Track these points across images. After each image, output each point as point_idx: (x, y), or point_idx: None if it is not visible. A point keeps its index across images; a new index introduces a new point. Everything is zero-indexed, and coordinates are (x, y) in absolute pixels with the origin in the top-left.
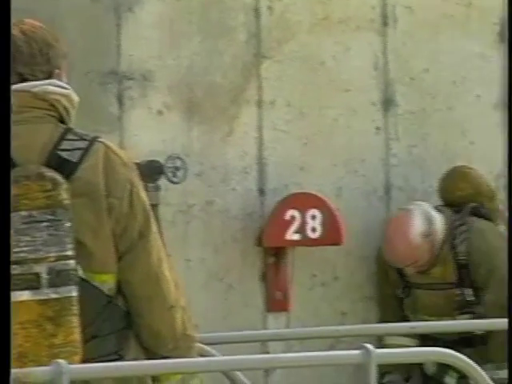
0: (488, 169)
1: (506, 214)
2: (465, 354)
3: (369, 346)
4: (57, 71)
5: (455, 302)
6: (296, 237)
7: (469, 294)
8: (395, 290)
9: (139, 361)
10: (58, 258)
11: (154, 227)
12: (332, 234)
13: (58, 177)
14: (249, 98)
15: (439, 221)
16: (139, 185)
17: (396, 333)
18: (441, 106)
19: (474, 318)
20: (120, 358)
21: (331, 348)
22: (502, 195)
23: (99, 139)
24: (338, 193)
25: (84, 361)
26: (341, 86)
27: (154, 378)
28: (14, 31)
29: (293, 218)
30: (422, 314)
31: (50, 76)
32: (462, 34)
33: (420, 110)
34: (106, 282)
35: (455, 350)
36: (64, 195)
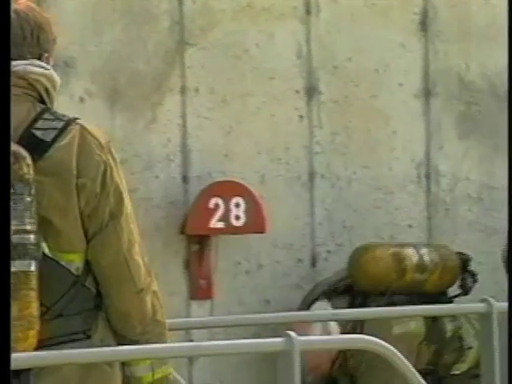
0: (410, 157)
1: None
2: None
3: (292, 333)
4: (46, 55)
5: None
6: (220, 225)
7: None
8: None
9: (106, 342)
10: (16, 232)
11: (126, 210)
12: (256, 222)
13: (23, 151)
14: (172, 86)
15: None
16: (114, 167)
17: (319, 320)
18: (364, 95)
19: None
20: (86, 338)
21: (255, 336)
22: (424, 182)
23: (77, 121)
24: (262, 180)
25: (47, 338)
26: (264, 73)
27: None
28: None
29: (216, 205)
30: None
31: (38, 59)
32: (383, 24)
33: (343, 98)
34: (74, 261)
35: None
36: (25, 170)
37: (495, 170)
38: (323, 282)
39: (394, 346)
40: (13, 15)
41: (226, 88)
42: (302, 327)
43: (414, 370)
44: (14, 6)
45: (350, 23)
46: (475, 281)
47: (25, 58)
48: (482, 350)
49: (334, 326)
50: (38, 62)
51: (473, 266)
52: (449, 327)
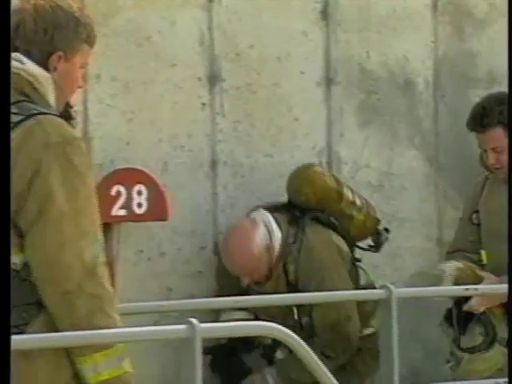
0: (311, 144)
1: None
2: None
3: (194, 320)
4: (59, 53)
5: (285, 317)
6: (122, 212)
7: (297, 311)
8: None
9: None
10: None
11: (58, 209)
12: (158, 210)
13: None
14: None
15: (278, 236)
16: (57, 167)
17: (221, 307)
18: (266, 82)
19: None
20: (17, 333)
21: (156, 324)
22: (326, 170)
23: (38, 116)
24: (164, 168)
25: None
26: (166, 61)
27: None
28: (28, 3)
29: (118, 193)
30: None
31: (48, 57)
32: (285, 12)
33: (245, 85)
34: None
35: None
36: None
37: (395, 157)
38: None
39: None
40: (30, 8)
41: (128, 75)
42: (245, 230)
43: (315, 357)
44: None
45: (252, 11)
46: (386, 239)
47: (31, 54)
48: (381, 334)
49: (277, 232)
50: (19, 57)
51: (372, 253)
52: None
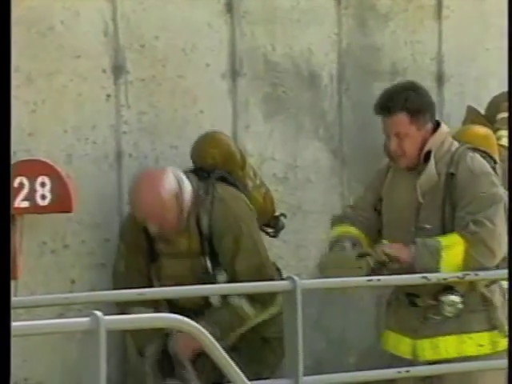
0: None
1: None
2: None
3: (97, 312)
4: None
5: (198, 273)
6: (25, 204)
7: (211, 265)
8: (142, 259)
9: None
10: None
11: None
12: (62, 202)
13: None
14: None
15: (188, 187)
16: None
17: (125, 299)
18: (171, 74)
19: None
20: None
21: (60, 316)
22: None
23: None
24: (69, 160)
25: None
26: (70, 51)
27: None
28: None
29: (21, 185)
30: (166, 283)
31: None
32: (190, 3)
33: (150, 77)
34: None
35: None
36: None
37: (299, 149)
38: None
39: None
40: None
41: (31, 66)
42: (154, 175)
43: (220, 348)
44: None
45: (157, 2)
46: (283, 225)
47: None
48: (285, 325)
49: (186, 182)
50: None
51: (277, 244)
52: None
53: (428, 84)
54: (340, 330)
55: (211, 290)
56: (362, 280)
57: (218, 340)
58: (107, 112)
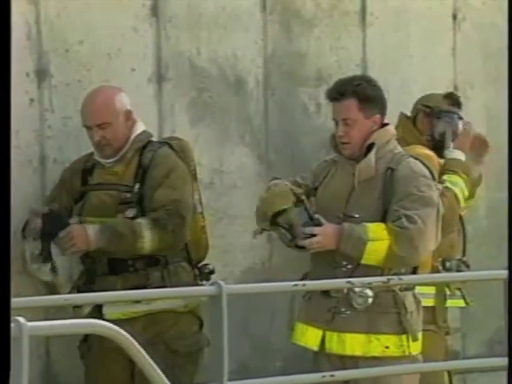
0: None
1: None
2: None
3: (20, 318)
4: None
5: (122, 207)
6: None
7: (136, 199)
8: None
9: None
10: None
11: None
12: None
13: None
14: None
15: (141, 125)
16: None
17: (50, 305)
18: (96, 79)
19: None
20: None
21: None
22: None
23: None
24: None
25: None
26: None
27: None
28: None
29: None
30: (87, 215)
31: None
32: (115, 8)
33: (75, 82)
34: None
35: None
36: None
37: (225, 155)
38: None
39: None
40: None
41: None
42: (107, 87)
43: (146, 354)
44: None
45: (82, 6)
46: (212, 273)
47: None
48: (211, 330)
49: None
50: None
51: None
52: None
53: None
54: (266, 334)
55: (151, 293)
56: (287, 285)
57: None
58: (31, 116)
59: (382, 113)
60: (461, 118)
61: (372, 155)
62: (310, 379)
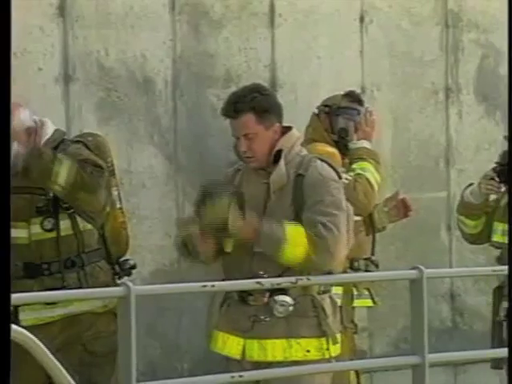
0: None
1: None
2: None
3: None
4: None
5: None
6: None
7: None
8: None
9: None
10: None
11: None
12: None
13: None
14: None
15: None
16: None
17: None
18: None
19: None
20: None
21: None
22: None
23: None
24: None
25: None
26: None
27: None
28: None
29: None
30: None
31: None
32: (20, 6)
33: None
34: None
35: None
36: None
37: (134, 155)
38: None
39: None
40: None
41: None
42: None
43: (55, 359)
44: None
45: None
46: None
47: None
48: (119, 332)
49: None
50: None
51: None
52: None
53: None
54: (174, 335)
55: (57, 296)
56: (196, 286)
57: None
58: None
59: (280, 120)
60: (359, 114)
61: (282, 163)
62: (218, 380)
